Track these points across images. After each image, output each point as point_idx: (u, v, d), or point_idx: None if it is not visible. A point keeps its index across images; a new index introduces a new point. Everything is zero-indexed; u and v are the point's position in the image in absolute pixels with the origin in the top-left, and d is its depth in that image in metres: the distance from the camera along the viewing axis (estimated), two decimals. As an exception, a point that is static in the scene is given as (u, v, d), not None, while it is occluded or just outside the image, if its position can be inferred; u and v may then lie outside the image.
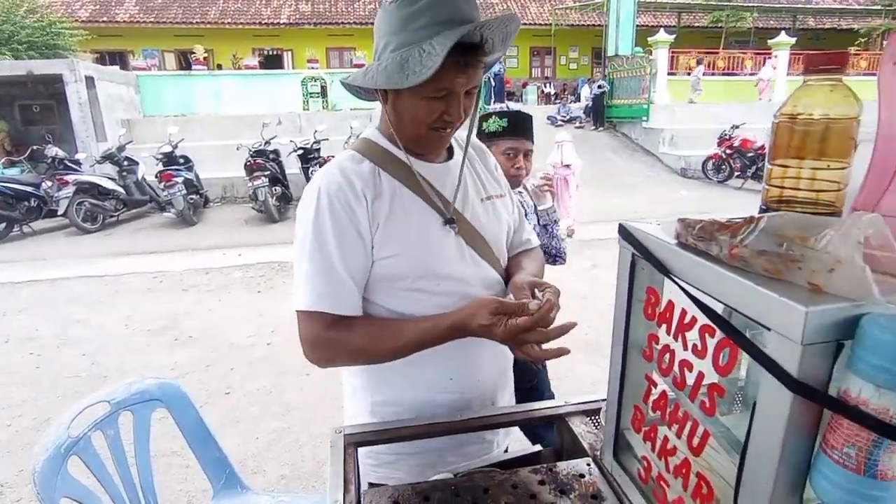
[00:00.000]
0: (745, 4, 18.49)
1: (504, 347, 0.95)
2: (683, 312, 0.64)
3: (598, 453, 0.92)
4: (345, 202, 0.92)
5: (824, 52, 0.54)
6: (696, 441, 0.64)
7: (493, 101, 14.36)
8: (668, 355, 0.68)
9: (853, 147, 0.55)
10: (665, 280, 0.66)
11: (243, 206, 9.12)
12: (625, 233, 0.74)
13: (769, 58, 14.86)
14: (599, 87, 14.00)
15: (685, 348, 0.64)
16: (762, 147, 9.51)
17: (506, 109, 1.81)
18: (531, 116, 1.83)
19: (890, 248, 0.46)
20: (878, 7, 18.39)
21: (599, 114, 14.26)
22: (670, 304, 0.67)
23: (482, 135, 1.79)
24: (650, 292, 0.71)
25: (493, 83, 14.73)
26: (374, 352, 0.96)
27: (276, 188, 8.26)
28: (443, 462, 1.07)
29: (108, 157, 8.41)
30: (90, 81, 10.52)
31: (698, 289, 0.60)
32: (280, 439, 2.88)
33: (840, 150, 0.55)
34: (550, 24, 19.15)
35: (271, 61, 16.08)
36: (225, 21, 18.70)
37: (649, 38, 13.97)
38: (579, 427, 1.03)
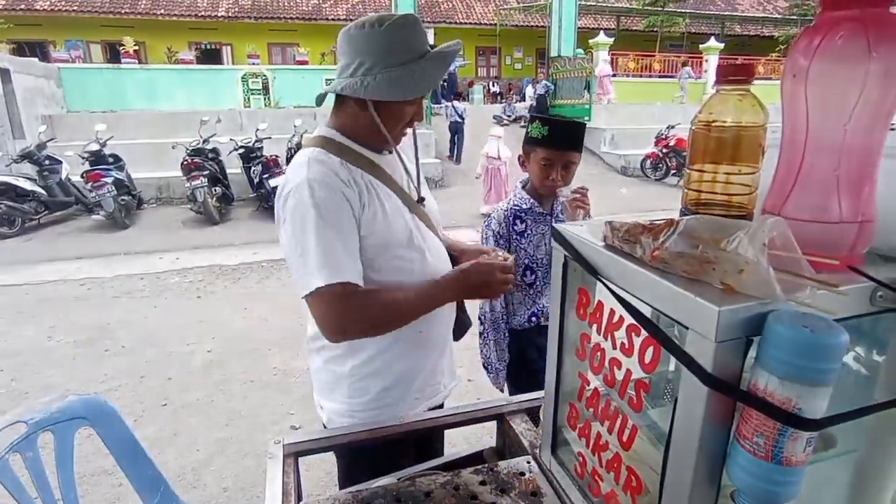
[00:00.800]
0: (679, 10, 19.43)
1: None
2: (612, 312, 0.66)
3: (538, 451, 0.94)
4: (336, 188, 1.02)
5: (734, 63, 0.57)
6: (625, 436, 0.66)
7: (443, 98, 14.43)
8: (599, 354, 0.71)
9: (762, 152, 0.58)
10: (596, 281, 0.68)
11: (180, 207, 8.70)
12: (557, 235, 0.76)
13: (687, 64, 15.77)
14: (545, 87, 14.31)
15: (614, 347, 0.67)
16: (695, 146, 10.02)
17: (549, 116, 1.62)
18: (583, 125, 1.66)
19: (792, 249, 0.49)
20: (794, 17, 19.84)
21: (544, 113, 14.59)
22: (600, 305, 0.69)
23: (526, 137, 1.65)
24: (581, 293, 0.73)
25: (444, 81, 14.80)
26: (394, 312, 1.05)
27: (217, 188, 7.93)
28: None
29: (26, 156, 7.77)
30: (5, 74, 9.69)
31: (625, 290, 0.62)
32: (223, 450, 2.77)
33: (750, 156, 0.58)
34: (495, 25, 19.38)
35: (209, 56, 15.42)
36: (157, 12, 17.72)
37: (590, 40, 14.41)
38: (520, 426, 1.05)
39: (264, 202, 8.10)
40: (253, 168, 8.03)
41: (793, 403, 0.47)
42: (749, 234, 0.49)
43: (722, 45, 15.59)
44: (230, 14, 18.25)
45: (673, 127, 10.83)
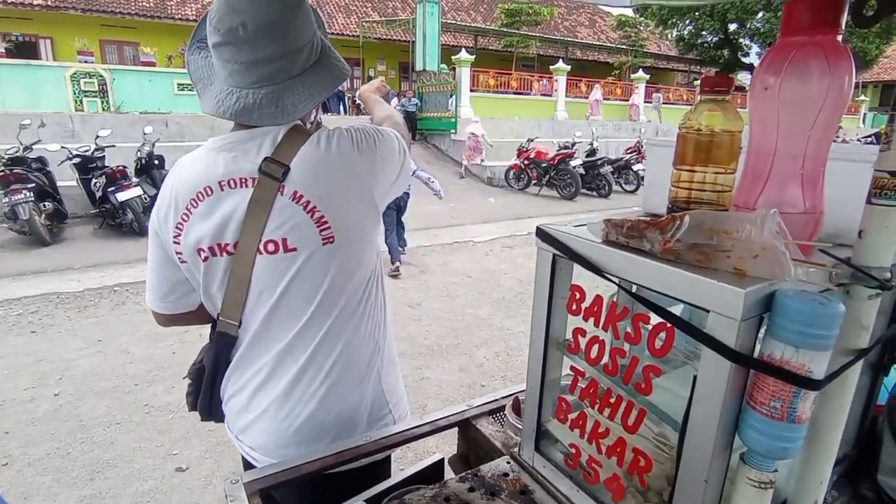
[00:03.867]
0: (530, 34, 21.24)
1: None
2: (613, 304, 0.71)
3: (517, 450, 0.95)
4: None
5: (715, 75, 0.64)
6: (631, 419, 0.71)
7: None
8: (597, 346, 0.74)
9: (738, 155, 0.67)
10: (593, 276, 0.71)
11: (-6, 227, 7.26)
12: (544, 235, 0.78)
13: (635, 89, 17.97)
14: (413, 105, 14.67)
15: (617, 337, 0.71)
16: (553, 158, 11.00)
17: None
18: None
19: (787, 237, 0.57)
20: (624, 46, 22.93)
21: (412, 127, 14.92)
22: (598, 299, 0.73)
23: None
24: (574, 289, 0.77)
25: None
26: None
27: (46, 203, 6.73)
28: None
29: None
30: None
31: (631, 281, 0.67)
32: (93, 509, 2.36)
33: (729, 158, 0.67)
34: (358, 37, 19.35)
35: (23, 49, 13.11)
36: (-54, -6, 14.67)
37: (453, 57, 15.08)
38: (487, 428, 1.06)
39: (110, 218, 7.10)
40: (94, 180, 6.98)
41: (806, 368, 0.54)
42: (758, 224, 0.56)
43: (569, 68, 17.36)
44: (50, 3, 15.75)
45: (532, 140, 11.75)
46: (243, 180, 0.88)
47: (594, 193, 11.38)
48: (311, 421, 0.97)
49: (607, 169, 11.25)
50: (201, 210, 0.90)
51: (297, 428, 0.97)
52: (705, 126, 0.65)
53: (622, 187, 11.89)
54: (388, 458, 1.16)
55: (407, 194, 5.58)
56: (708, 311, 0.58)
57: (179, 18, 17.03)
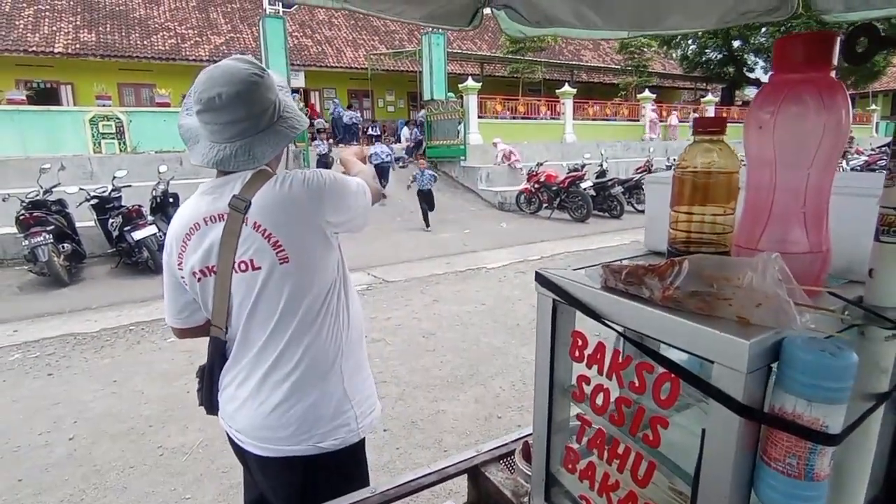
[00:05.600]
0: (536, 59, 21.55)
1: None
2: (616, 353, 0.68)
3: (526, 499, 0.92)
4: None
5: (709, 116, 0.63)
6: (641, 472, 0.68)
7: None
8: (602, 394, 0.72)
9: (736, 194, 0.65)
10: (595, 323, 0.69)
11: (15, 269, 7.42)
12: (543, 280, 0.77)
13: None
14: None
15: (621, 386, 0.68)
16: (564, 181, 11.02)
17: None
18: None
19: (791, 282, 0.55)
20: (630, 67, 23.12)
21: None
22: (600, 346, 0.70)
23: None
24: (576, 336, 0.75)
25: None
26: None
27: (65, 245, 6.88)
28: None
29: None
30: None
31: (634, 330, 0.64)
32: (105, 558, 2.32)
33: (726, 198, 0.65)
34: (367, 69, 19.80)
35: (45, 96, 13.62)
36: (-27, 46, 15.36)
37: (460, 85, 15.33)
38: (497, 476, 1.02)
39: (127, 257, 7.22)
40: (111, 220, 7.13)
41: (820, 423, 0.51)
42: (759, 271, 0.54)
43: (575, 91, 17.53)
44: (70, 51, 16.40)
45: (541, 164, 11.79)
46: (220, 215, 1.10)
47: (606, 215, 11.32)
48: (278, 409, 1.16)
49: (618, 189, 11.21)
50: (193, 242, 1.14)
51: (267, 414, 1.17)
52: (701, 167, 0.64)
53: (634, 207, 11.82)
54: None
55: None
56: (713, 363, 0.55)
57: (193, 59, 17.62)
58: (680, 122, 19.53)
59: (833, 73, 0.60)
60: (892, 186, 0.57)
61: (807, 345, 0.52)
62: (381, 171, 11.94)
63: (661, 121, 19.55)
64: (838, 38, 0.58)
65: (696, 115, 19.01)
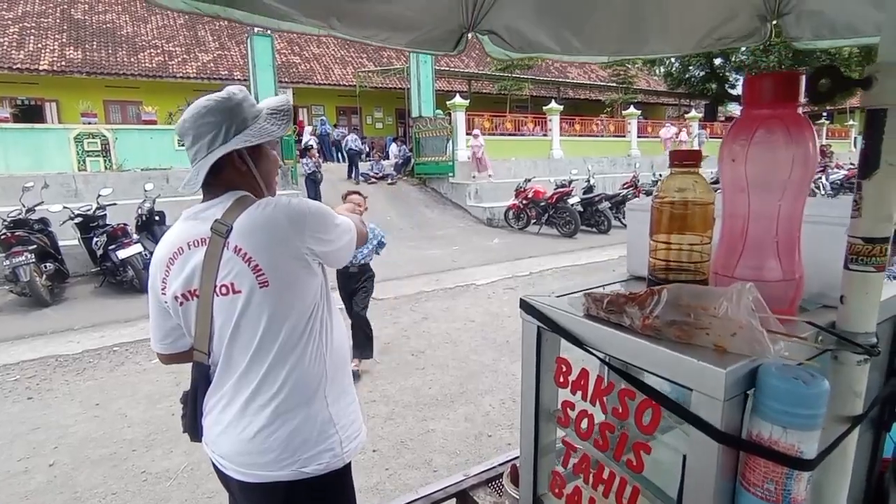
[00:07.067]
0: (523, 76, 21.86)
1: None
2: (599, 379, 0.69)
3: (515, 524, 0.92)
4: None
5: (684, 150, 0.65)
6: (626, 497, 0.68)
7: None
8: (586, 420, 0.73)
9: (712, 224, 0.67)
10: (579, 350, 0.70)
11: (-5, 290, 7.28)
12: (528, 307, 0.78)
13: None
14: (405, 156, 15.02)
15: (604, 412, 0.69)
16: (551, 196, 11.12)
17: None
18: None
19: (765, 310, 0.57)
20: (614, 84, 23.55)
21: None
22: (584, 372, 0.72)
23: None
24: (560, 362, 0.76)
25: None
26: None
27: (47, 265, 6.77)
28: None
29: None
30: None
31: (615, 357, 0.66)
32: (85, 589, 2.25)
33: (703, 227, 0.67)
34: (355, 86, 19.93)
35: (29, 113, 13.49)
36: (-44, 64, 15.23)
37: (448, 102, 15.48)
38: (485, 500, 1.02)
39: (111, 276, 7.11)
40: (96, 239, 7.03)
41: (796, 448, 0.52)
42: (734, 301, 0.56)
43: (562, 107, 17.78)
44: (55, 68, 16.31)
45: (529, 180, 11.89)
46: (202, 239, 1.12)
47: (594, 230, 11.42)
48: (261, 434, 1.15)
49: (605, 205, 11.33)
50: (176, 266, 1.15)
51: (250, 439, 1.15)
52: (677, 198, 0.66)
53: (621, 222, 11.94)
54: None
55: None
56: (691, 390, 0.57)
57: (181, 77, 17.60)
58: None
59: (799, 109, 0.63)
60: (858, 217, 0.60)
61: (780, 373, 0.53)
62: (351, 158, 12.81)
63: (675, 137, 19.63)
64: (803, 78, 0.61)
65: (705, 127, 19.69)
